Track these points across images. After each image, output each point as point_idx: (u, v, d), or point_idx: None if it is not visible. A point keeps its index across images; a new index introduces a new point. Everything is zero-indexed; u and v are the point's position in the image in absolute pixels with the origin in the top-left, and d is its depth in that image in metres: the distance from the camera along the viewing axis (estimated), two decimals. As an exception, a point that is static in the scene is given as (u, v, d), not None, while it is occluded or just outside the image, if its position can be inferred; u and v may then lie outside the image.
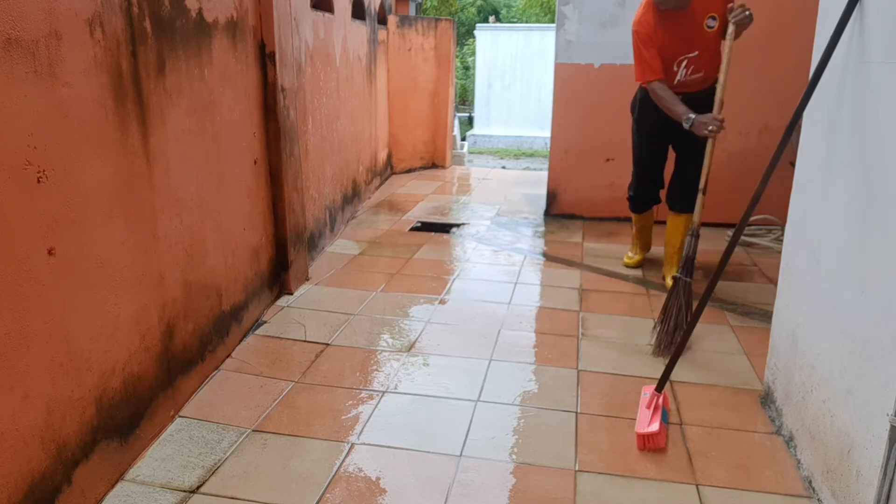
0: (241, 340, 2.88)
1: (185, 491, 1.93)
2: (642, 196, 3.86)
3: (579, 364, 2.76)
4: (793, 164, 2.32)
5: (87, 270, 1.79)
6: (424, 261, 4.08)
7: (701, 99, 3.24)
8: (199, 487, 1.95)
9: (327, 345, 2.89)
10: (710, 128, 2.98)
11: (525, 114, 14.78)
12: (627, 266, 4.05)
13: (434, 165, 7.35)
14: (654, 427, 2.17)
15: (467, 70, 20.17)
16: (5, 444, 1.51)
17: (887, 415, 1.56)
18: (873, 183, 1.75)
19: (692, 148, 3.36)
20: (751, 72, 4.47)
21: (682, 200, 3.52)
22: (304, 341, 2.92)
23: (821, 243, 2.06)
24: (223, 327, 2.69)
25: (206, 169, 2.49)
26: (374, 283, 3.64)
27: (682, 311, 2.89)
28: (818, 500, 1.93)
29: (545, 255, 4.29)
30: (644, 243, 4.10)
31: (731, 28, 2.93)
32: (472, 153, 13.15)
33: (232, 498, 1.91)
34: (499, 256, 4.21)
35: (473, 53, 18.16)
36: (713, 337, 3.03)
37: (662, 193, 3.79)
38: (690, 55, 3.30)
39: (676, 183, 3.61)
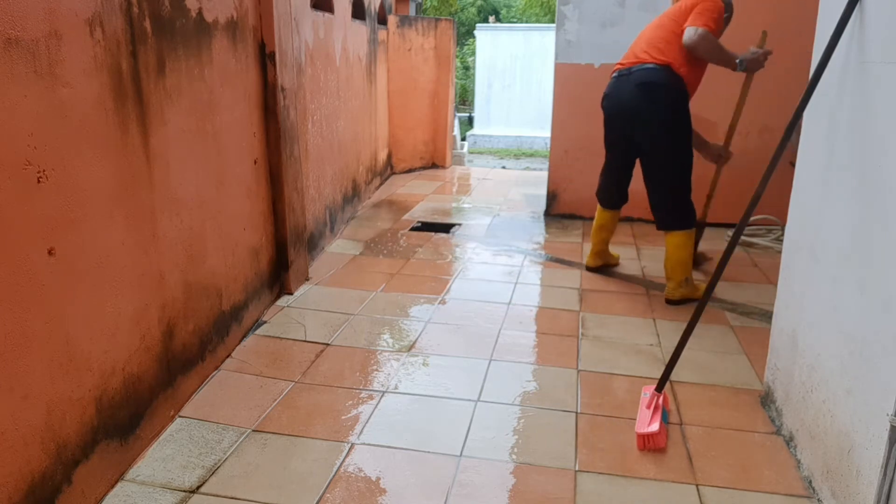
0: (241, 340, 2.88)
1: (185, 491, 1.93)
2: (601, 189, 3.79)
3: (579, 364, 2.76)
4: (793, 164, 2.32)
5: (87, 270, 1.79)
6: (424, 261, 4.08)
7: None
8: (199, 487, 1.95)
9: (327, 345, 2.89)
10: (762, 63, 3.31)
11: (525, 114, 14.77)
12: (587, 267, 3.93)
13: (434, 165, 7.35)
14: (654, 427, 2.18)
15: (467, 70, 20.17)
16: (5, 444, 1.51)
17: (887, 415, 1.56)
18: (873, 183, 1.75)
19: (644, 159, 3.43)
20: (751, 72, 4.46)
21: (655, 217, 3.46)
22: (304, 341, 2.92)
23: (821, 243, 2.06)
24: (223, 327, 2.69)
25: (206, 169, 2.49)
26: (374, 283, 3.64)
27: None
28: (818, 500, 1.93)
29: (545, 255, 4.29)
30: (594, 243, 3.88)
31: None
32: (472, 153, 13.16)
33: (232, 498, 1.91)
34: (499, 256, 4.21)
35: (473, 53, 18.16)
36: (713, 337, 3.03)
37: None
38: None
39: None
